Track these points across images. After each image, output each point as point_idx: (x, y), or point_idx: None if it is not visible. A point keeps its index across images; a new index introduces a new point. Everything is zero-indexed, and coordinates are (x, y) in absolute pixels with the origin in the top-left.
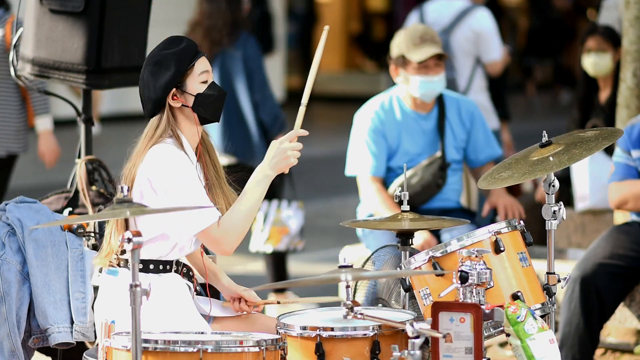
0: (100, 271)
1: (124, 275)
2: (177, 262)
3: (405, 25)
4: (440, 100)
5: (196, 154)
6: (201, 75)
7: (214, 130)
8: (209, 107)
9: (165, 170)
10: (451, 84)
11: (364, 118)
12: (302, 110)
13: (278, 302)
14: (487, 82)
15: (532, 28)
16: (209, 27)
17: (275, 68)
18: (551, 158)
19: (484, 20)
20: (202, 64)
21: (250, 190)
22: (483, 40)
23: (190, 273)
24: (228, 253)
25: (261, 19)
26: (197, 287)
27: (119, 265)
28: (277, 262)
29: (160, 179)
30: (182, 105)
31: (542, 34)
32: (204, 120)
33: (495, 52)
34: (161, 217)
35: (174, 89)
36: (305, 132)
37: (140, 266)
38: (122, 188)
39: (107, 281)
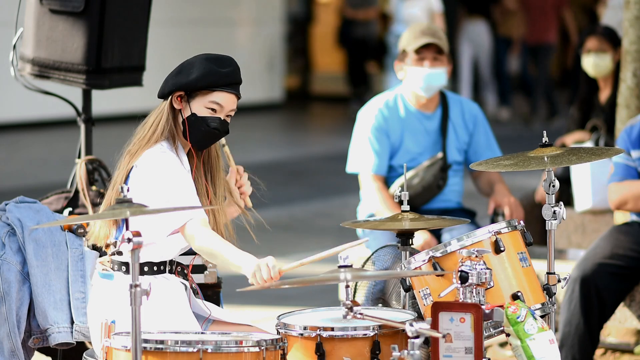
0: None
1: (120, 279)
2: (171, 262)
3: None
4: (444, 101)
5: (197, 158)
6: (211, 104)
7: None
8: (195, 130)
9: (155, 174)
10: None
11: (368, 115)
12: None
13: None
14: None
15: None
16: None
17: (274, 68)
18: (545, 158)
19: None
20: (221, 97)
21: (231, 255)
22: None
23: (185, 271)
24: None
25: None
26: (193, 286)
27: (112, 269)
28: None
29: (149, 182)
30: (180, 111)
31: None
32: (188, 139)
33: None
34: (142, 219)
35: (181, 92)
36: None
37: None
38: (122, 188)
39: (101, 284)
